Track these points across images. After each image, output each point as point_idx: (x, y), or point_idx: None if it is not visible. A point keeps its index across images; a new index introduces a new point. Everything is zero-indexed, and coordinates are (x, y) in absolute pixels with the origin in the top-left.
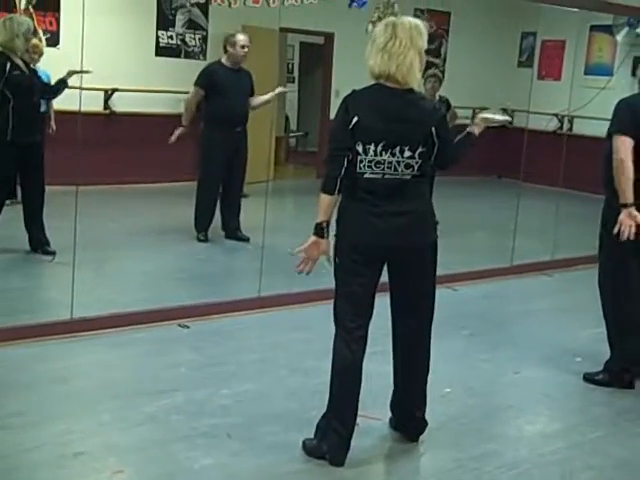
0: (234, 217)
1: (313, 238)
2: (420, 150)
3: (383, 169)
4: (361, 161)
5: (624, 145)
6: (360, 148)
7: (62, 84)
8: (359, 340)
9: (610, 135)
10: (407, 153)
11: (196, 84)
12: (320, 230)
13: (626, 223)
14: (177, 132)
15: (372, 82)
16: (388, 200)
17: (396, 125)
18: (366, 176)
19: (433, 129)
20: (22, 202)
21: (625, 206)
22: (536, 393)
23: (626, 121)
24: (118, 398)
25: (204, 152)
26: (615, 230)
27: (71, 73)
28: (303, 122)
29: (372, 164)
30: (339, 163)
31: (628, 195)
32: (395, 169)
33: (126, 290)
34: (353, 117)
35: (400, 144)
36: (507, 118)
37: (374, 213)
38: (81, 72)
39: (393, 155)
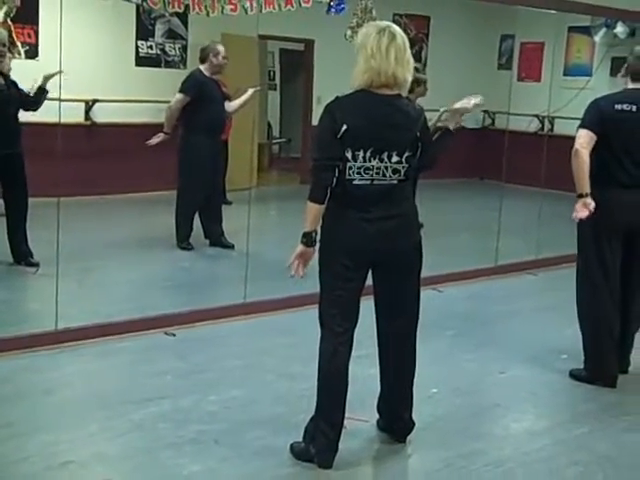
0: (217, 224)
1: (302, 247)
2: (407, 154)
3: (372, 175)
4: (350, 167)
5: (583, 137)
6: (349, 155)
7: (41, 92)
8: (345, 344)
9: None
10: (395, 158)
11: (182, 91)
12: (310, 240)
13: (579, 210)
14: (159, 137)
15: (352, 89)
16: (377, 205)
17: (384, 131)
18: (355, 182)
19: (418, 133)
20: (5, 214)
21: (581, 196)
22: (522, 391)
23: (592, 118)
24: (105, 407)
25: (186, 160)
26: (572, 215)
27: (47, 78)
28: (285, 128)
29: (361, 170)
30: (329, 173)
31: (583, 185)
32: (383, 175)
33: (111, 300)
34: (342, 125)
35: (388, 150)
36: (478, 99)
37: (364, 219)
38: (55, 74)
39: (381, 161)
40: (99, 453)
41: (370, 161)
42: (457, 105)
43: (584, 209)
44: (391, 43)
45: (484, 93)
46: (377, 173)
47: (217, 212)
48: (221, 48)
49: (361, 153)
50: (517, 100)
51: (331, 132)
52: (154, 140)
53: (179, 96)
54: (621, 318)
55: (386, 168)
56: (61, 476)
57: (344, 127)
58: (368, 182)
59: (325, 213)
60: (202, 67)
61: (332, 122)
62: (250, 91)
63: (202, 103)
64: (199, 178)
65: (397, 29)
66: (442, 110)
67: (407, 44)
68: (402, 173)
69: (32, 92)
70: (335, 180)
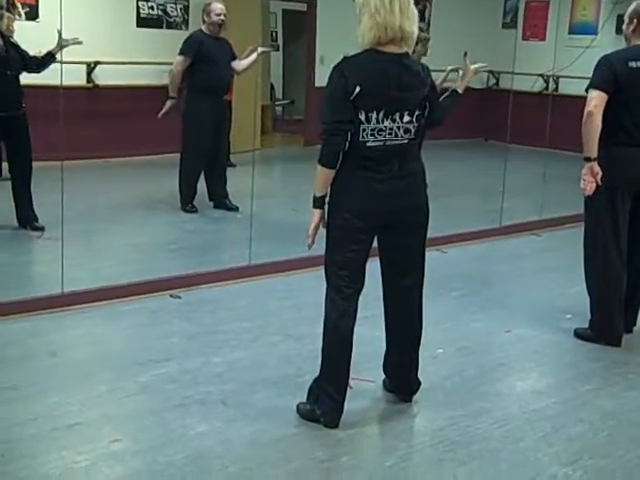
0: (221, 186)
1: (317, 212)
2: (417, 113)
3: (384, 136)
4: (364, 129)
5: (596, 99)
6: (362, 117)
7: (50, 57)
8: (352, 305)
9: (588, 91)
10: (406, 118)
11: (182, 53)
12: (321, 204)
13: (588, 180)
14: (167, 105)
15: (359, 49)
16: (389, 165)
17: (396, 91)
18: (369, 144)
19: (426, 92)
20: (10, 178)
21: (589, 159)
22: (527, 351)
23: (604, 77)
24: (111, 369)
25: (190, 122)
26: (581, 185)
27: (60, 45)
28: (288, 90)
29: (375, 132)
30: (342, 137)
31: (592, 149)
32: (396, 135)
33: (116, 263)
34: (355, 87)
35: (400, 110)
36: (478, 65)
37: (377, 179)
38: (72, 43)
39: (394, 121)
40: (106, 414)
41: (383, 122)
42: (472, 67)
43: (591, 179)
44: None
45: (488, 53)
46: (390, 134)
47: (221, 174)
48: (215, 6)
49: (374, 114)
50: (522, 60)
51: (343, 94)
52: (164, 110)
53: (179, 58)
54: (628, 278)
55: (398, 128)
56: (68, 437)
57: (357, 89)
58: (381, 143)
59: (336, 174)
60: (203, 27)
61: (344, 84)
62: (259, 49)
63: (203, 64)
64: (202, 140)
65: None
66: (449, 69)
67: None
68: (413, 132)
69: (40, 55)
70: (347, 144)
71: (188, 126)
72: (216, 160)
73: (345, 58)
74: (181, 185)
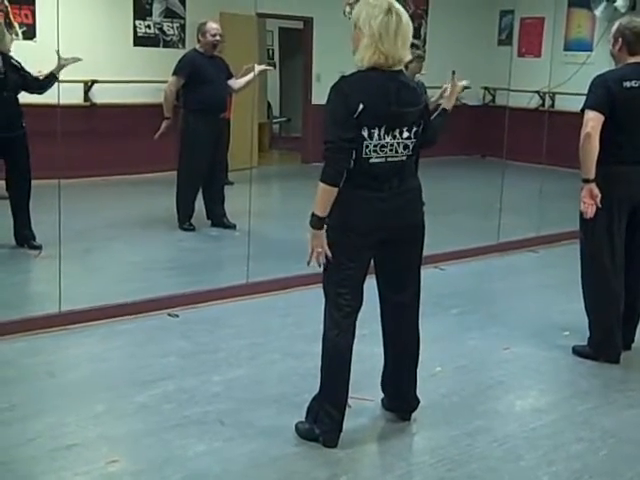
0: (219, 205)
1: (314, 232)
2: (415, 129)
3: (386, 152)
4: (367, 146)
5: (593, 120)
6: (366, 133)
7: (52, 78)
8: (351, 324)
9: (583, 111)
10: (405, 134)
11: (175, 73)
12: (320, 224)
13: (588, 203)
14: (163, 126)
15: (356, 68)
16: (389, 182)
17: (396, 107)
18: (372, 161)
19: (422, 108)
20: (8, 197)
21: (587, 181)
22: (526, 368)
23: (600, 98)
24: (109, 389)
25: (186, 141)
26: (581, 208)
27: (61, 66)
28: (285, 108)
29: (377, 148)
30: (347, 155)
31: (590, 170)
32: (396, 151)
33: (114, 282)
34: (358, 104)
35: (400, 126)
36: (465, 82)
37: (378, 197)
38: (72, 62)
39: (394, 137)
40: (104, 435)
41: (384, 138)
42: (458, 84)
43: (591, 201)
44: (399, 27)
45: (484, 69)
46: (391, 150)
47: (220, 193)
48: (211, 26)
49: (376, 131)
50: (517, 76)
51: (346, 112)
52: (160, 130)
53: (172, 78)
54: (626, 295)
55: (398, 144)
56: (66, 458)
57: (361, 106)
58: (383, 160)
59: (337, 193)
60: (197, 46)
61: (346, 102)
62: (258, 68)
63: (197, 83)
64: (199, 158)
65: (400, 8)
66: (444, 87)
67: (410, 24)
68: (411, 148)
69: (41, 76)
70: (352, 162)
71: (185, 145)
72: (214, 178)
73: (343, 77)
74: (178, 203)
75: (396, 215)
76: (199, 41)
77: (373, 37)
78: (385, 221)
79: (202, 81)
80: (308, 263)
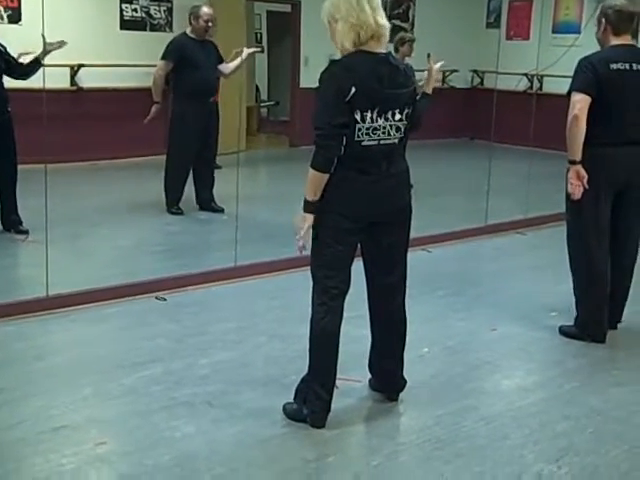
0: (208, 189)
1: (308, 218)
2: (406, 111)
3: (379, 135)
4: (359, 129)
5: (580, 102)
6: (358, 116)
7: (36, 64)
8: (339, 305)
9: (570, 93)
10: (397, 116)
11: (164, 57)
12: (312, 208)
13: (575, 184)
14: (153, 110)
15: (344, 53)
16: (379, 165)
17: (387, 89)
18: (364, 144)
19: (412, 90)
20: None
21: (574, 163)
22: (513, 348)
23: (587, 80)
24: (97, 372)
25: (176, 125)
26: (568, 189)
27: (46, 52)
28: (274, 91)
29: (369, 131)
30: (338, 141)
31: (577, 152)
32: (388, 133)
33: (101, 266)
34: (350, 88)
35: (392, 108)
36: (440, 63)
37: (369, 181)
38: (57, 47)
39: (387, 120)
40: (92, 417)
41: (377, 121)
42: (435, 67)
43: (578, 182)
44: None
45: (472, 52)
46: (383, 132)
47: (210, 177)
48: (204, 11)
49: (369, 113)
50: (506, 59)
51: (338, 97)
52: (150, 115)
53: (160, 63)
54: (613, 274)
55: (390, 127)
56: (54, 440)
57: (353, 90)
58: (375, 142)
59: (330, 176)
60: (188, 30)
61: (338, 86)
62: (246, 51)
63: (187, 67)
64: (188, 143)
65: None
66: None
67: None
68: (402, 131)
69: (25, 60)
70: (343, 148)
71: (174, 129)
72: (205, 162)
73: (333, 61)
74: (167, 187)
75: (385, 198)
76: (190, 24)
77: (343, 16)
78: (374, 204)
79: (191, 65)
80: (300, 251)
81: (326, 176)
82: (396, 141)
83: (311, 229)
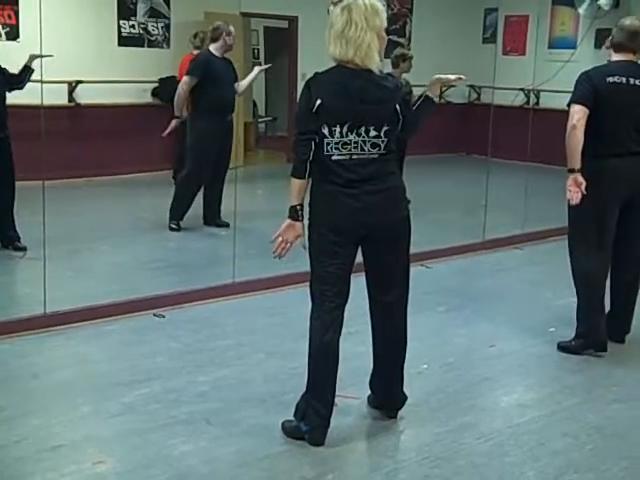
0: (216, 205)
1: (288, 221)
2: (385, 129)
3: (350, 150)
4: (328, 143)
5: (578, 113)
6: (326, 130)
7: (27, 70)
8: (336, 320)
9: (569, 106)
10: (372, 132)
11: (189, 73)
12: (295, 213)
13: (573, 190)
14: (172, 124)
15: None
16: (360, 180)
17: (359, 105)
18: (334, 158)
19: (397, 107)
20: None
21: (572, 171)
22: (511, 365)
23: (585, 92)
24: (96, 390)
25: (196, 141)
26: (567, 196)
27: (33, 57)
28: (271, 107)
29: (339, 145)
30: (307, 147)
31: (575, 161)
32: (362, 149)
33: (99, 282)
34: (316, 100)
35: (365, 124)
36: (459, 76)
37: (347, 194)
38: (43, 56)
39: (359, 135)
40: (91, 435)
41: (347, 136)
42: (440, 75)
43: (576, 189)
44: (346, 26)
45: (469, 67)
46: (355, 147)
47: (220, 192)
48: (232, 29)
49: (337, 128)
50: (502, 74)
51: (307, 107)
52: (169, 128)
53: (185, 78)
54: (618, 287)
55: (364, 142)
56: (53, 459)
57: (318, 102)
58: (347, 157)
59: (310, 189)
60: (212, 47)
61: (308, 97)
62: (256, 69)
63: (209, 84)
64: (206, 159)
65: (361, 6)
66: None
67: (372, 21)
68: (382, 147)
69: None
70: (312, 154)
71: (194, 145)
72: (217, 178)
73: (315, 74)
74: (177, 201)
75: (371, 213)
76: (215, 41)
77: (336, 30)
78: (357, 219)
79: (214, 82)
80: (274, 252)
81: (303, 182)
82: (375, 156)
83: (299, 242)
